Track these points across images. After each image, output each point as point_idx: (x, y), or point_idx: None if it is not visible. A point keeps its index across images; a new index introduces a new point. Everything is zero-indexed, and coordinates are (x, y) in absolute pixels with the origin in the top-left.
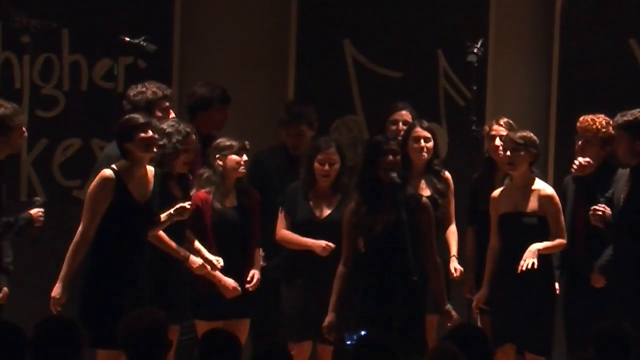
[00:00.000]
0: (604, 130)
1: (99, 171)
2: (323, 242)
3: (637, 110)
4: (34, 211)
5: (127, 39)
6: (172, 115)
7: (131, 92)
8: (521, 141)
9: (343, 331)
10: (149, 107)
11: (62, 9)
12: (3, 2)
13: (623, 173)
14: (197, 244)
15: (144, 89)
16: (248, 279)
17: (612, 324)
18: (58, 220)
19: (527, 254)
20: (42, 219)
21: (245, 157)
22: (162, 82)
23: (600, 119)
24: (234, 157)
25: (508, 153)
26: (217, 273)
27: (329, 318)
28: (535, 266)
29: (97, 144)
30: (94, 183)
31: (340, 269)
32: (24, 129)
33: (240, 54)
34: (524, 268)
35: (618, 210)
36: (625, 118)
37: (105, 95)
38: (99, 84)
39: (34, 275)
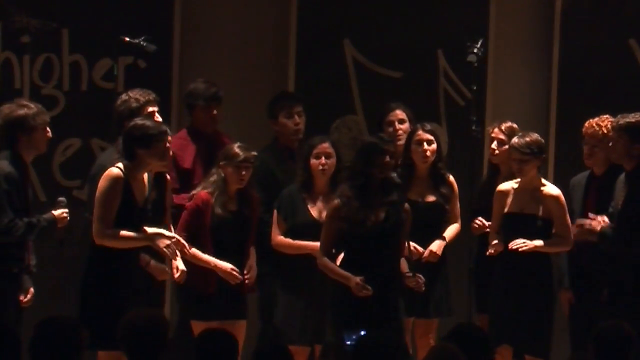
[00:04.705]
0: (610, 133)
1: (95, 179)
2: None
3: (639, 113)
4: (57, 212)
5: (127, 39)
6: (159, 119)
7: (117, 102)
8: (527, 150)
9: (343, 331)
10: (132, 116)
11: (62, 9)
12: (3, 2)
13: (620, 179)
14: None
15: (126, 98)
16: (245, 272)
17: (612, 324)
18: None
19: (527, 243)
20: (67, 219)
21: (244, 172)
22: (162, 82)
23: (605, 122)
24: (234, 170)
25: (517, 157)
26: (212, 259)
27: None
28: (522, 249)
29: (97, 144)
30: (104, 183)
31: (323, 259)
32: (48, 129)
33: (240, 54)
34: (514, 247)
35: (616, 216)
36: (627, 120)
37: (105, 95)
38: (99, 84)
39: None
